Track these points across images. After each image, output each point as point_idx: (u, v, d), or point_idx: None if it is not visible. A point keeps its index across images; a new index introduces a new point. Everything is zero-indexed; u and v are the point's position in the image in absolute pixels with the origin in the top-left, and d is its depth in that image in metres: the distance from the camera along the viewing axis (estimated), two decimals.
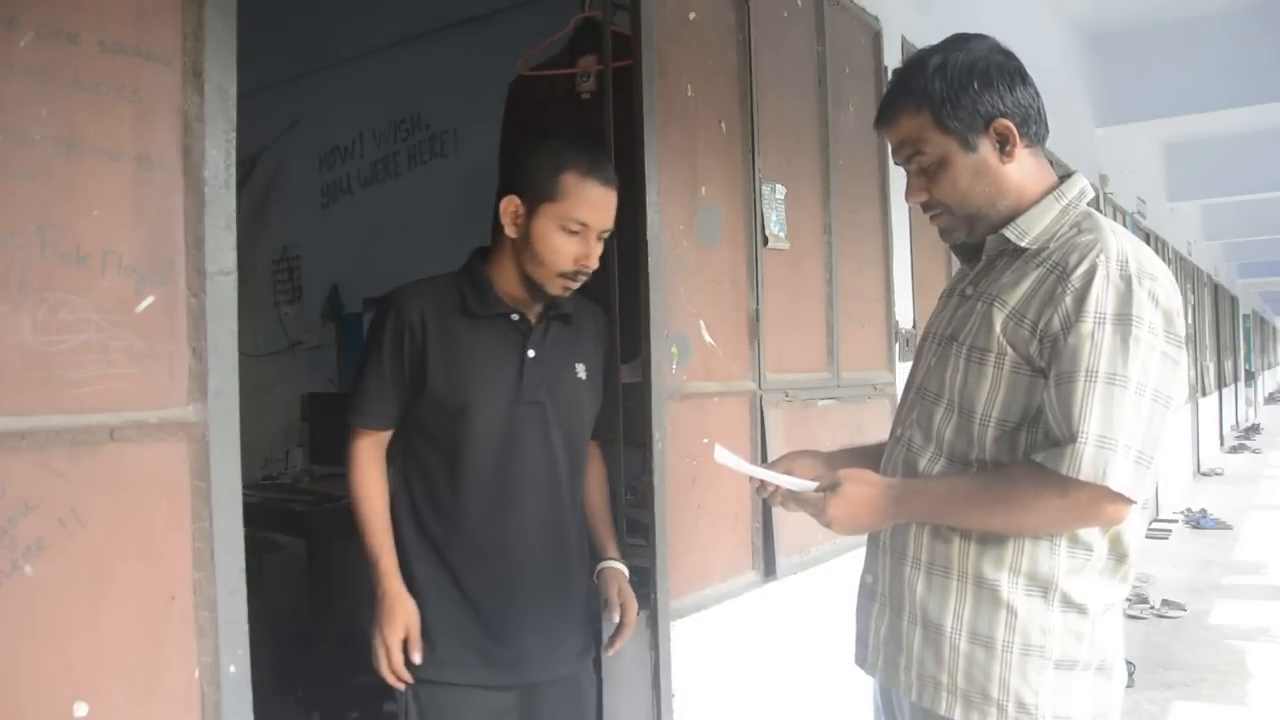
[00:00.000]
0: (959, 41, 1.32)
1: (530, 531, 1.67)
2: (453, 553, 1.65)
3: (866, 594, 1.43)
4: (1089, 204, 1.34)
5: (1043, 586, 1.24)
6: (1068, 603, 1.24)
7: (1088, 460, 1.14)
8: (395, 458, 1.73)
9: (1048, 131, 1.35)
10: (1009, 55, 1.33)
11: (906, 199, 1.38)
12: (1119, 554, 1.27)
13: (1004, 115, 1.28)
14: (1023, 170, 1.31)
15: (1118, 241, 1.23)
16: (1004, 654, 1.23)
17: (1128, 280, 1.19)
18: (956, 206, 1.33)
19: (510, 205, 1.62)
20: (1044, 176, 1.34)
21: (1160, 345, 1.18)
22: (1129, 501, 1.16)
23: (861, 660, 1.44)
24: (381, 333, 1.66)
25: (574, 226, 1.58)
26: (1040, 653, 1.23)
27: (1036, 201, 1.31)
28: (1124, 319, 1.17)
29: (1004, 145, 1.29)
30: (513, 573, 1.66)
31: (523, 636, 1.65)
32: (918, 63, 1.32)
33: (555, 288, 1.63)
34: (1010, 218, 1.31)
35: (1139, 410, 1.16)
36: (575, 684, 1.77)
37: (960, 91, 1.27)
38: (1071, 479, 1.15)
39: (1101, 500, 1.16)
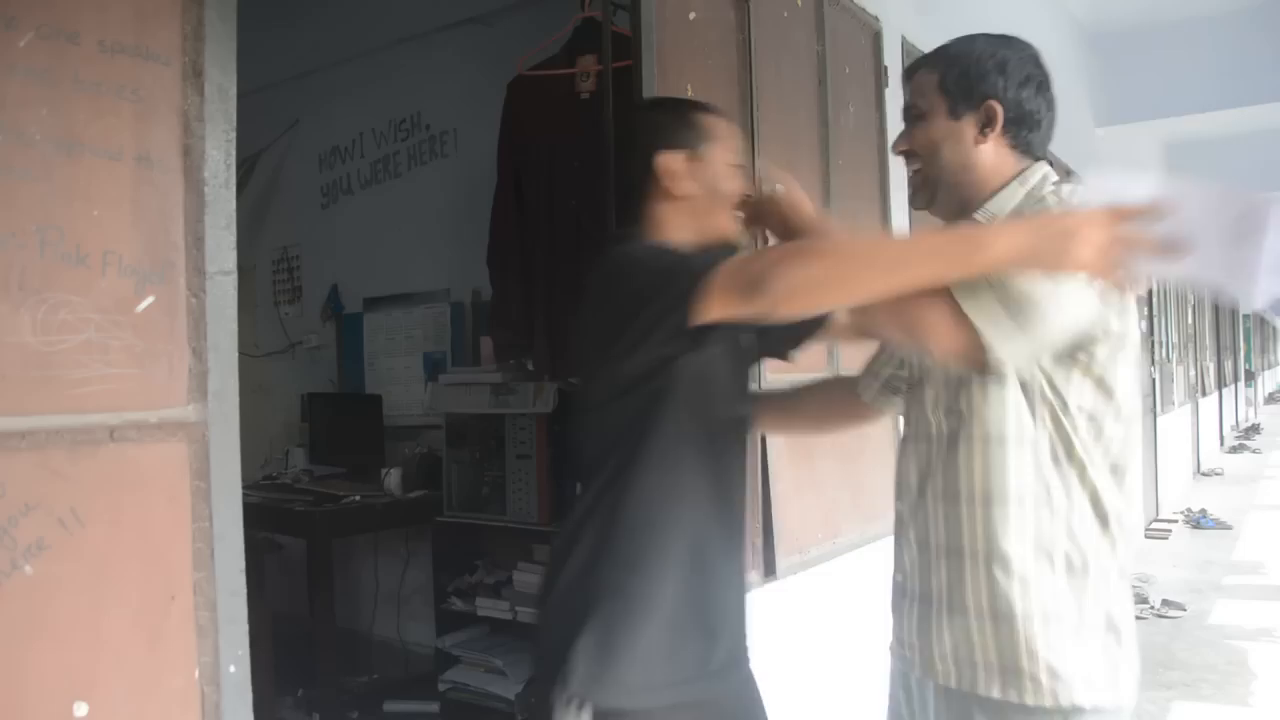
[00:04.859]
0: (1004, 38, 1.39)
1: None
2: (700, 553, 1.39)
3: (898, 591, 1.46)
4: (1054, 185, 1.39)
5: (1048, 553, 1.27)
6: (1071, 568, 1.28)
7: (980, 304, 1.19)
8: (651, 448, 1.37)
9: (1043, 147, 1.40)
10: (1040, 66, 1.38)
11: (893, 147, 1.46)
12: (1101, 515, 1.30)
13: (997, 100, 1.34)
14: (998, 157, 1.37)
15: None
16: (1025, 624, 1.26)
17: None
18: (927, 163, 1.39)
19: (678, 162, 1.45)
20: (1017, 168, 1.39)
21: None
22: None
23: (896, 652, 1.46)
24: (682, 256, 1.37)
25: (736, 160, 1.50)
26: (1058, 619, 1.26)
27: (1004, 186, 1.37)
28: None
29: (984, 126, 1.35)
30: (735, 566, 1.46)
31: (732, 634, 1.45)
32: (960, 39, 1.41)
33: (733, 228, 1.50)
34: (976, 198, 1.37)
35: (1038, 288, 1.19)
36: (752, 679, 1.53)
37: (973, 65, 1.35)
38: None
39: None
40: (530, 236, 2.97)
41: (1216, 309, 12.88)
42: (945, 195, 1.39)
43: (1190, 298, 10.23)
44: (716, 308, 1.21)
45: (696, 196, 1.47)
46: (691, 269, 1.24)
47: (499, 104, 3.05)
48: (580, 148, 2.78)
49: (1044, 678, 1.25)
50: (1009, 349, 1.20)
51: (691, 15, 2.34)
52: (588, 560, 1.38)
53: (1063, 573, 1.27)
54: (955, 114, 1.36)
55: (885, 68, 3.27)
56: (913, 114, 1.41)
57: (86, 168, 1.17)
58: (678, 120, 1.50)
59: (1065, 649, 1.26)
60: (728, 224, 1.49)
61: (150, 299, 1.23)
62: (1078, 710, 1.24)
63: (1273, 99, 5.88)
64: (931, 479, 1.36)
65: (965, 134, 1.36)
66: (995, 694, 1.28)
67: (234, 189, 1.33)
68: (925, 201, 1.43)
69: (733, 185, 1.49)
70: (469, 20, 3.66)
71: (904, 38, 3.43)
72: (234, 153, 1.33)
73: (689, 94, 2.31)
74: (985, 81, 1.34)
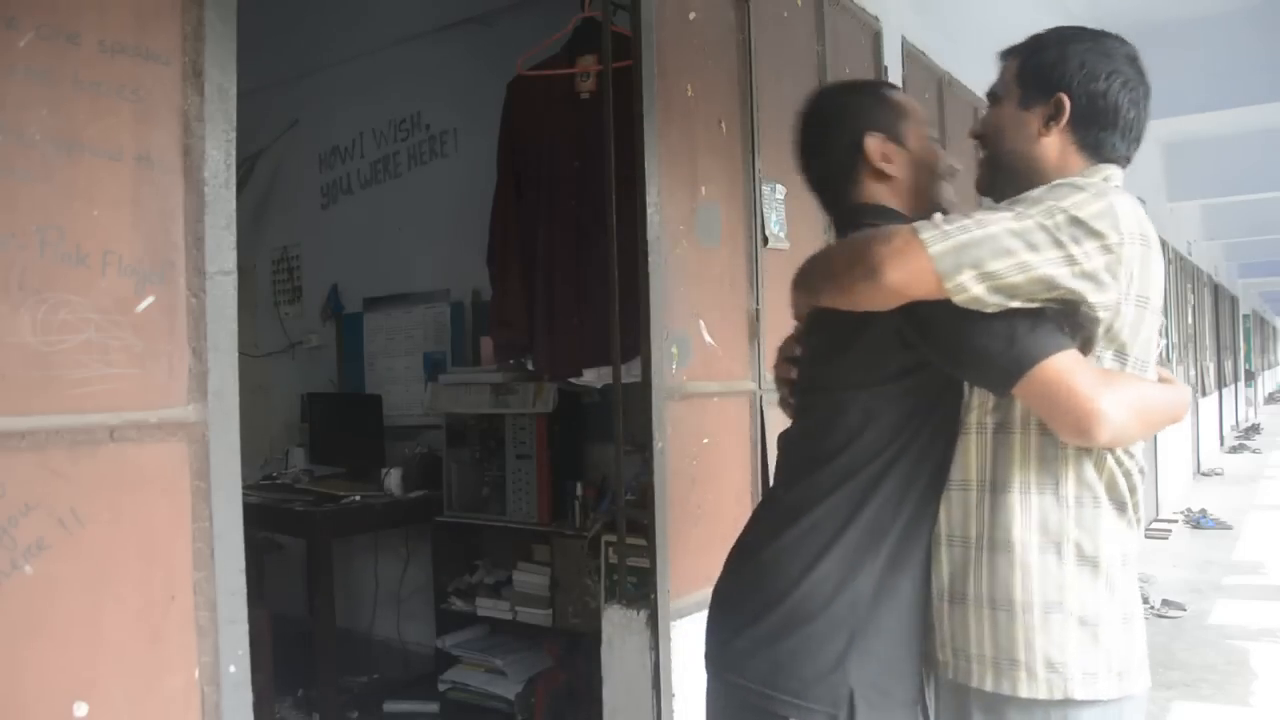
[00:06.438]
0: (1099, 33, 1.39)
1: None
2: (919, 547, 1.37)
3: None
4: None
5: (1055, 543, 1.25)
6: (1082, 557, 1.25)
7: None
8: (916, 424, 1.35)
9: (1124, 148, 1.34)
10: (1133, 65, 1.36)
11: (969, 133, 1.47)
12: (1118, 501, 1.27)
13: (1067, 93, 1.31)
14: (1063, 153, 1.33)
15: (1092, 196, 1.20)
16: (1024, 615, 1.24)
17: (1065, 212, 1.17)
18: (991, 147, 1.39)
19: (879, 145, 1.44)
20: (1084, 167, 1.33)
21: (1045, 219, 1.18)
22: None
23: None
24: None
25: (932, 133, 1.53)
26: (1060, 609, 1.24)
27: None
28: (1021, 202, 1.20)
29: (1050, 119, 1.32)
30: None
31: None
32: (1054, 29, 1.39)
33: (948, 194, 1.50)
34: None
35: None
36: None
37: (1051, 55, 1.33)
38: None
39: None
40: (530, 237, 2.97)
41: (1216, 309, 12.89)
42: (1003, 182, 1.37)
43: (1190, 298, 10.23)
44: (1044, 398, 1.19)
45: (911, 173, 1.46)
46: (1043, 342, 1.19)
47: (499, 104, 3.05)
48: (580, 148, 2.78)
49: (1040, 669, 1.23)
50: (957, 278, 1.15)
51: (691, 15, 2.34)
52: (850, 560, 1.33)
53: (1072, 562, 1.25)
54: (1025, 103, 1.34)
55: (885, 68, 3.27)
56: (990, 99, 1.42)
57: (86, 168, 1.17)
58: (875, 101, 1.51)
59: (1066, 640, 1.23)
60: (943, 193, 1.48)
61: (150, 299, 1.23)
62: (1071, 703, 1.22)
63: (1270, 99, 5.88)
64: (950, 469, 1.35)
65: (1030, 124, 1.34)
66: (988, 686, 1.26)
67: (234, 189, 1.33)
68: (984, 185, 1.41)
69: (934, 157, 1.49)
70: (469, 20, 3.66)
71: (904, 38, 3.43)
72: (234, 153, 1.33)
73: (689, 94, 2.31)
74: (1060, 73, 1.32)
